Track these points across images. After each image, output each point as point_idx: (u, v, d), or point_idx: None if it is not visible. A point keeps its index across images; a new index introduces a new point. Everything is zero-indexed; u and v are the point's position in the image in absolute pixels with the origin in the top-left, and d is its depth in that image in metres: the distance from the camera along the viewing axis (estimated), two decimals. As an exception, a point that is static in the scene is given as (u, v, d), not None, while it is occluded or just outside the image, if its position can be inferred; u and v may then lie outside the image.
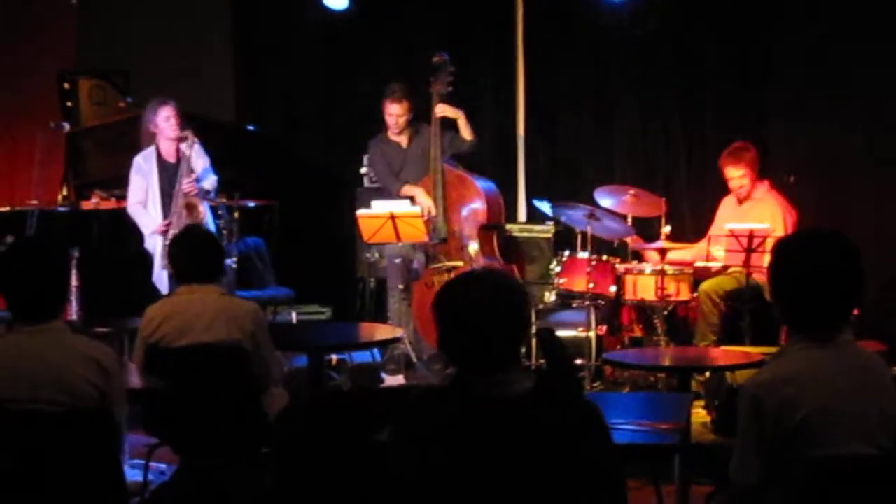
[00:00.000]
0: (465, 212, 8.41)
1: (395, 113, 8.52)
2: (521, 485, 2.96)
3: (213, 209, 8.13)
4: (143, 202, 8.07)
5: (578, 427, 3.01)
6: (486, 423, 2.99)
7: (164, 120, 7.99)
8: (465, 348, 3.05)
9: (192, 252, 5.55)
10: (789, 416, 3.23)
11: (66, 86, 9.55)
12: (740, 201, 8.21)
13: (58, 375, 3.90)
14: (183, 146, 7.94)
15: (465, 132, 8.46)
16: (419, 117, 8.59)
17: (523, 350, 7.81)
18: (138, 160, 8.10)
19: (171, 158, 8.05)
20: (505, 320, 3.04)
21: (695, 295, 7.96)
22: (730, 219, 8.09)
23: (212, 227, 7.96)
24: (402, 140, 8.66)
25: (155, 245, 7.98)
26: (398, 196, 8.39)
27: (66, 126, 9.18)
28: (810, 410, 3.23)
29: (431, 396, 3.16)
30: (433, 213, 8.33)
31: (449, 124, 8.51)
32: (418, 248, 8.43)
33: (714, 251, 7.99)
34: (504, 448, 2.97)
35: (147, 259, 8.02)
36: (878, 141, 8.15)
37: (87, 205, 8.88)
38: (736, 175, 8.08)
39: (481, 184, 8.45)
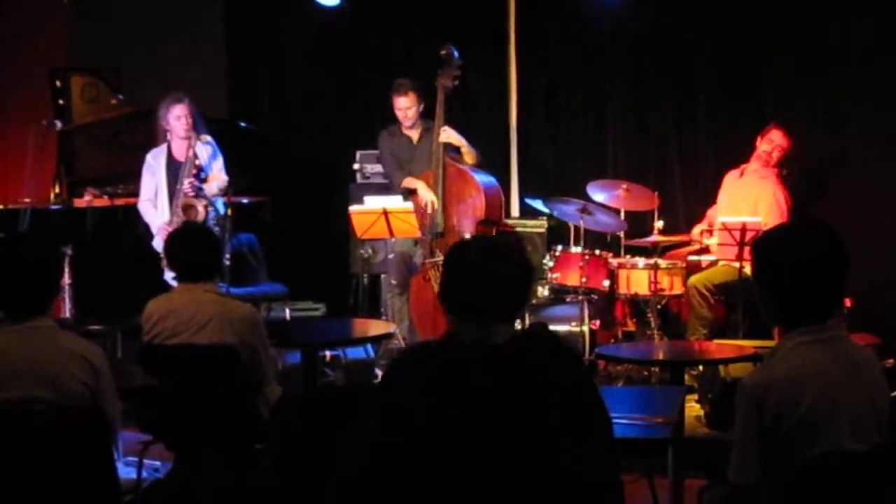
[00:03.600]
0: (463, 206, 8.39)
1: (402, 106, 8.49)
2: (511, 426, 3.01)
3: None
4: (153, 200, 8.07)
5: (564, 369, 3.11)
6: (473, 367, 3.08)
7: (175, 119, 7.95)
8: (467, 302, 3.15)
9: (188, 249, 5.53)
10: (788, 414, 3.21)
11: (58, 83, 9.51)
12: (742, 173, 8.24)
13: (47, 373, 3.89)
14: (192, 144, 7.93)
15: (468, 157, 8.45)
16: (430, 113, 8.55)
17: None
18: (148, 158, 8.10)
19: (182, 157, 8.02)
20: (510, 281, 3.15)
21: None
22: (732, 193, 8.18)
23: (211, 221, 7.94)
24: (414, 135, 8.62)
25: (159, 244, 7.98)
26: (399, 187, 8.39)
27: (58, 124, 9.16)
28: (808, 408, 3.21)
29: (420, 347, 3.34)
30: (436, 206, 8.30)
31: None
32: (419, 244, 8.41)
33: (706, 240, 8.02)
34: (492, 391, 3.04)
35: (156, 258, 8.01)
36: (874, 135, 8.14)
37: (80, 202, 8.88)
38: (778, 143, 8.11)
39: (481, 178, 8.41)
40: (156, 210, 8.06)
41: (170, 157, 8.05)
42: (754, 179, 8.16)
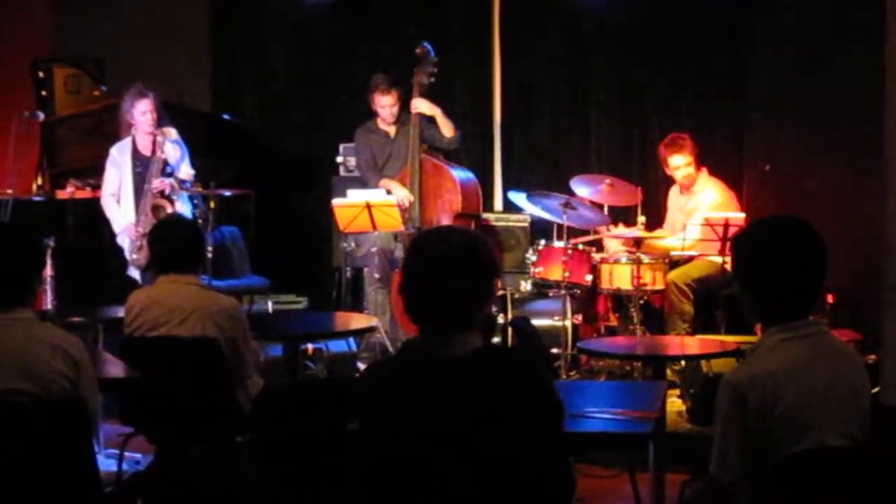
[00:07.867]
0: (440, 201, 8.40)
1: (387, 104, 8.50)
2: (464, 440, 2.97)
3: (190, 198, 8.10)
4: (116, 194, 8.02)
5: (521, 384, 3.02)
6: (430, 381, 3.03)
7: (141, 114, 7.89)
8: (422, 305, 3.08)
9: (172, 241, 5.52)
10: (770, 410, 3.21)
11: (41, 74, 9.50)
12: (682, 190, 8.27)
13: (27, 365, 3.86)
14: (159, 140, 7.88)
15: (445, 129, 8.46)
16: (406, 108, 8.55)
17: (495, 339, 7.84)
18: (113, 152, 8.05)
19: (147, 151, 7.96)
20: (463, 279, 3.04)
21: (668, 284, 7.98)
22: (677, 209, 8.20)
23: (188, 216, 7.92)
24: (391, 130, 8.64)
25: (124, 241, 7.95)
26: (375, 188, 8.39)
27: (41, 115, 9.12)
28: (789, 405, 3.21)
29: (383, 362, 3.20)
30: (411, 201, 8.31)
31: (430, 118, 8.51)
32: (399, 238, 8.41)
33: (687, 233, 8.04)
34: (447, 405, 2.99)
35: (120, 253, 8.00)
36: (853, 130, 8.15)
37: (63, 194, 8.86)
38: (682, 163, 8.13)
39: (457, 174, 8.43)
40: (118, 206, 8.02)
41: (135, 151, 8.01)
42: (699, 187, 8.18)
